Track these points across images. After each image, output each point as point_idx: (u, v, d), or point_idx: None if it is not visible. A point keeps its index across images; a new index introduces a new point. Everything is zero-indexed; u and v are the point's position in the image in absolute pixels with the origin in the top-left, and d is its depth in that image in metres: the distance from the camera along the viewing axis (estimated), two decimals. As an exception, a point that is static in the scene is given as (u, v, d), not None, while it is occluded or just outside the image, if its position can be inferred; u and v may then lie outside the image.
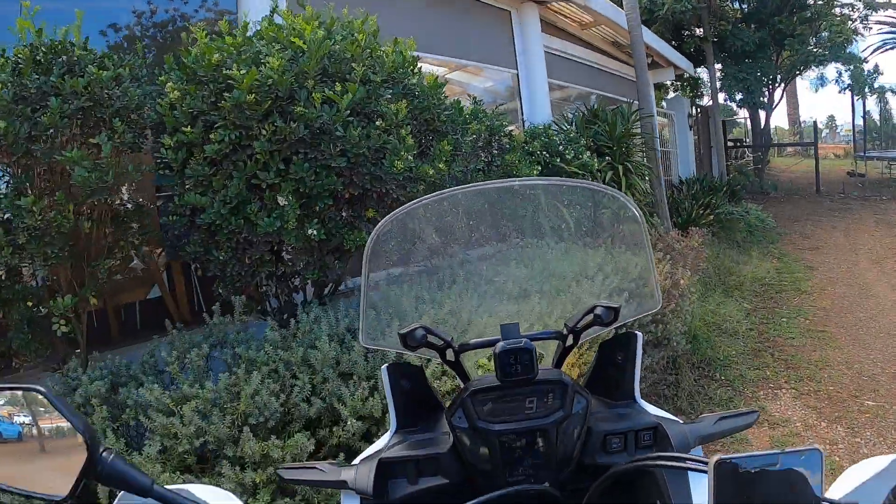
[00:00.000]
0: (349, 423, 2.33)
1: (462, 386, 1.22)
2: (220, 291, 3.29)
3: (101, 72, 2.72)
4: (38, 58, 2.71)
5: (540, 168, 4.97)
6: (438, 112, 3.27)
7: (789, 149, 27.98)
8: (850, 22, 17.58)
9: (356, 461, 1.20)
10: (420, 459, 1.19)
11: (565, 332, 1.27)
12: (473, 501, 1.02)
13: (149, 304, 4.80)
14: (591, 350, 2.79)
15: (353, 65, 2.82)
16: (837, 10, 17.64)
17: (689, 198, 10.84)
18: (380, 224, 1.36)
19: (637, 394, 1.31)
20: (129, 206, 3.47)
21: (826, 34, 16.90)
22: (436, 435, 1.25)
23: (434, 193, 1.42)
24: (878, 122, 24.99)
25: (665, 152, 14.09)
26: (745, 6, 17.18)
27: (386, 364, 1.30)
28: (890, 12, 22.52)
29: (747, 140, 22.97)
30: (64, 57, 2.75)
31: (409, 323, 1.21)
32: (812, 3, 16.97)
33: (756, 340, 6.21)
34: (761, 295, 7.88)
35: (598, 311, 1.21)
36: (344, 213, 3.14)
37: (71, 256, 2.92)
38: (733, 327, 6.40)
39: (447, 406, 1.21)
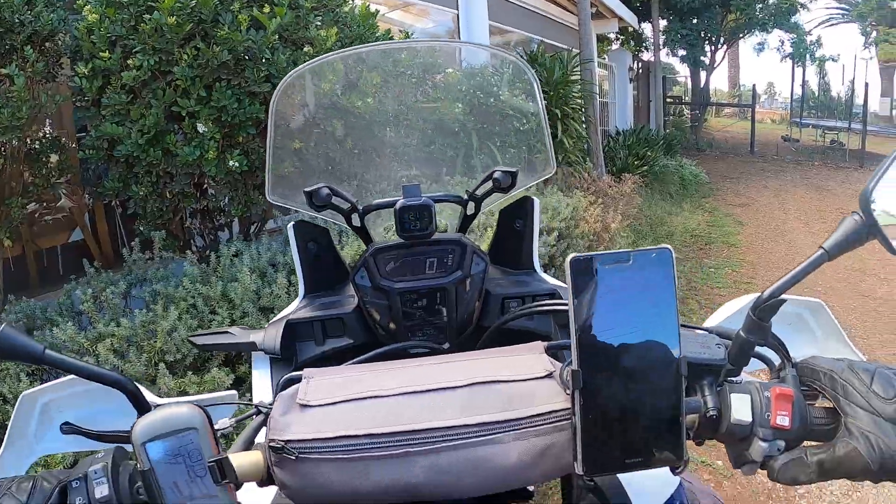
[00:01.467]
0: None
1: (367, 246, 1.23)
2: (142, 229, 3.16)
3: (11, -5, 2.53)
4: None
5: (460, 106, 4.88)
6: (370, 42, 3.15)
7: (727, 110, 28.60)
8: None
9: (266, 325, 1.20)
10: (326, 320, 1.20)
11: (466, 197, 1.27)
12: (369, 354, 1.01)
13: (71, 248, 4.60)
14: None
15: (278, -13, 2.67)
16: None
17: (625, 148, 10.98)
18: (286, 78, 1.33)
19: (536, 264, 1.34)
20: (45, 141, 3.28)
21: (772, 1, 17.15)
22: (342, 297, 1.27)
23: (339, 51, 1.39)
24: (816, 92, 25.71)
25: (604, 103, 14.20)
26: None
27: (292, 222, 1.29)
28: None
29: (686, 97, 23.35)
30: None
31: (315, 183, 1.19)
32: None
33: (684, 289, 6.39)
34: (691, 246, 8.10)
35: (497, 175, 1.21)
36: (283, 155, 3.02)
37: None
38: (662, 275, 6.54)
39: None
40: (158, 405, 0.77)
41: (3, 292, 2.99)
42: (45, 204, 4.15)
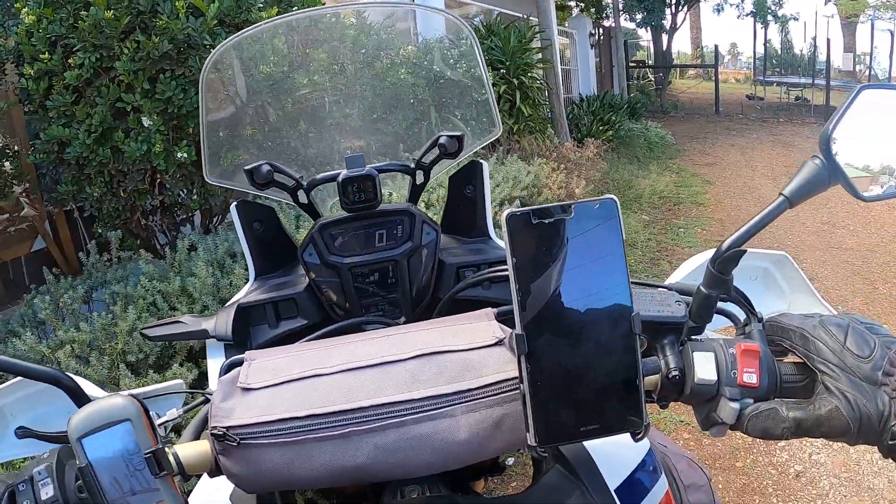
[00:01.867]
0: None
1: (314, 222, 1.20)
2: (100, 231, 3.11)
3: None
4: None
5: (403, 71, 4.82)
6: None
7: (691, 71, 28.68)
8: None
9: (219, 311, 1.17)
10: (278, 302, 1.17)
11: (413, 166, 1.24)
12: (320, 332, 1.00)
13: (35, 257, 4.51)
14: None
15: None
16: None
17: (589, 114, 10.99)
18: (215, 50, 1.29)
19: (490, 230, 1.31)
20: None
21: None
22: (293, 277, 1.24)
23: (270, 19, 1.35)
24: (779, 51, 25.83)
25: (567, 70, 14.16)
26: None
27: (235, 203, 1.25)
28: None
29: (650, 62, 23.39)
30: None
31: (255, 160, 1.15)
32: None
33: (654, 250, 6.41)
34: (660, 207, 8.13)
35: (443, 140, 1.18)
36: (221, 133, 2.97)
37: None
38: (632, 238, 6.58)
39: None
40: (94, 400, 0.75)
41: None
42: (8, 215, 4.07)
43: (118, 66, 2.59)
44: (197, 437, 0.79)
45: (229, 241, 2.69)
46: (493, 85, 6.69)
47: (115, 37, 2.58)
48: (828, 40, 19.62)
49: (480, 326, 0.80)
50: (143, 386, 2.12)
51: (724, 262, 0.72)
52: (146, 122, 2.60)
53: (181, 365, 2.21)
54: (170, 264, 2.61)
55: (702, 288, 0.74)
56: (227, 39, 1.30)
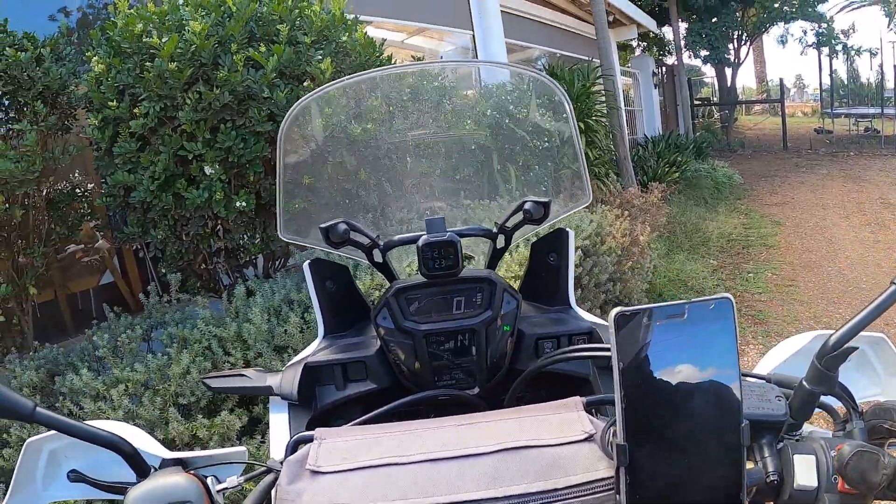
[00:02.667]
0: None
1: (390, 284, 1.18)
2: (164, 271, 3.19)
3: (18, 54, 2.59)
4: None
5: (486, 131, 4.81)
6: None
7: (757, 107, 28.08)
8: None
9: (284, 368, 1.15)
10: (347, 363, 1.15)
11: (495, 230, 1.21)
12: (391, 405, 0.98)
13: (102, 291, 4.68)
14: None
15: (279, 26, 2.69)
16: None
17: (655, 155, 10.81)
18: (291, 110, 1.28)
19: (572, 299, 1.27)
20: (65, 190, 3.36)
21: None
22: (364, 339, 1.21)
23: (345, 78, 1.34)
24: (846, 81, 25.05)
25: (630, 111, 14.06)
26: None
27: (308, 261, 1.24)
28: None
29: (714, 98, 22.99)
30: (-22, 43, 2.61)
31: (331, 218, 1.14)
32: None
33: (722, 296, 6.19)
34: (728, 251, 7.89)
35: (528, 206, 1.16)
36: (296, 190, 3.03)
37: (3, 247, 2.81)
38: (699, 284, 6.38)
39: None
40: (156, 471, 0.74)
41: (34, 337, 3.04)
42: (83, 246, 4.26)
43: (181, 116, 2.67)
44: None
45: (287, 287, 2.71)
46: (513, 130, 6.67)
47: (178, 87, 2.67)
48: (894, 67, 18.99)
49: (568, 418, 0.76)
50: (193, 429, 2.14)
51: (833, 360, 0.68)
52: (208, 170, 2.67)
53: (231, 412, 2.22)
54: (226, 309, 2.64)
55: (805, 383, 0.70)
56: (304, 98, 1.30)
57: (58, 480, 1.00)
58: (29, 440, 0.95)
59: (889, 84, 19.12)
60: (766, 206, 10.53)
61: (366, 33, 3.11)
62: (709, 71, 22.72)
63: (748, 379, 0.77)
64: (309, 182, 1.44)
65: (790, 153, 16.96)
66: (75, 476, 0.84)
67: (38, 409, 0.72)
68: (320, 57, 2.83)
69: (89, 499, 1.03)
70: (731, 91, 20.42)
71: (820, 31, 19.69)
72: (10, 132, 2.77)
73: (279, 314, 2.57)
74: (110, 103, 2.75)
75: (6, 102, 2.78)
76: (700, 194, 10.63)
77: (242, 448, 0.94)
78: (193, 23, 2.61)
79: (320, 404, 1.13)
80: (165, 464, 0.85)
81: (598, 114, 7.83)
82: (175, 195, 2.79)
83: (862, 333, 1.10)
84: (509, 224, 1.20)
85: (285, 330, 2.41)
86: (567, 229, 1.26)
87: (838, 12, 30.87)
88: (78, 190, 3.44)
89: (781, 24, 18.87)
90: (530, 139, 1.54)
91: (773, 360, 1.07)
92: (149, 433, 0.98)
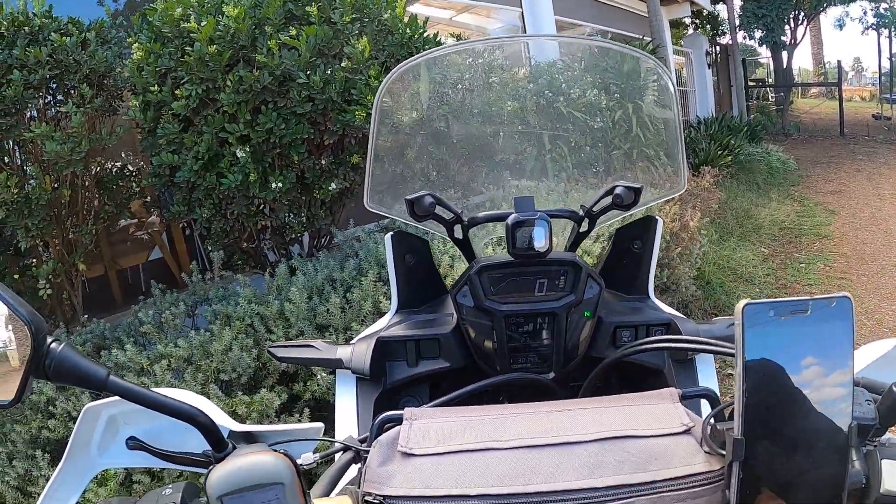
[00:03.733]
0: (320, 377, 2.27)
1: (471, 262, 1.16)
2: (210, 248, 3.24)
3: (64, 38, 2.64)
4: (0, 31, 2.62)
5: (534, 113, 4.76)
6: (418, 48, 3.09)
7: (813, 90, 27.12)
8: None
9: (354, 340, 1.15)
10: (420, 340, 1.14)
11: (581, 213, 1.19)
12: (471, 387, 0.97)
13: (151, 266, 4.80)
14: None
15: (308, 8, 2.66)
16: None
17: (707, 138, 10.51)
18: (389, 76, 1.26)
19: (651, 290, 1.25)
20: (112, 169, 3.43)
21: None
22: (439, 316, 1.20)
23: (448, 45, 1.32)
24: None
25: (683, 92, 13.71)
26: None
27: (391, 232, 1.22)
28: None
29: (769, 79, 22.28)
30: (26, 28, 2.66)
31: (416, 191, 1.12)
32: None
33: (773, 286, 6.03)
34: (780, 239, 7.67)
35: (619, 191, 1.13)
36: (323, 161, 3.03)
37: (54, 225, 2.89)
38: (749, 272, 6.23)
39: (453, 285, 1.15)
40: (237, 448, 0.72)
41: (83, 311, 3.12)
42: (138, 220, 4.37)
43: (222, 98, 2.69)
44: (331, 488, 0.75)
45: (329, 266, 2.72)
46: (609, 109, 6.54)
47: (219, 70, 2.68)
48: None
49: (665, 409, 0.75)
50: (233, 405, 2.15)
51: None
52: (240, 153, 2.69)
53: (271, 389, 2.23)
54: (268, 287, 2.67)
55: (894, 389, 0.68)
56: (403, 63, 1.27)
57: (115, 446, 0.98)
58: (88, 405, 0.93)
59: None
60: (820, 194, 10.19)
61: (405, 9, 3.06)
62: (764, 52, 21.97)
63: None
64: (397, 154, 1.41)
65: (847, 139, 16.34)
66: (135, 444, 0.82)
67: (111, 377, 0.70)
68: (358, 35, 2.81)
69: (147, 466, 1.01)
70: (787, 73, 19.76)
71: (880, 11, 18.84)
72: (58, 114, 2.83)
73: (321, 293, 2.58)
74: (152, 88, 2.78)
75: (53, 86, 2.83)
76: (753, 179, 10.32)
77: (320, 424, 0.92)
78: (229, 7, 2.62)
79: (390, 380, 1.12)
80: (234, 436, 0.84)
81: (652, 94, 7.63)
82: (218, 174, 2.82)
83: None
84: (596, 208, 1.17)
85: (327, 309, 2.42)
86: (656, 217, 1.23)
87: None
88: (127, 169, 3.52)
89: (839, 4, 18.12)
90: (625, 121, 1.49)
91: (860, 360, 1.04)
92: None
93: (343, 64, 2.71)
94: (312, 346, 1.14)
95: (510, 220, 1.07)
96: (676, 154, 1.31)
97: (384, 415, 0.78)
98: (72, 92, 2.80)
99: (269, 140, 2.76)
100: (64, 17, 2.85)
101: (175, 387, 2.25)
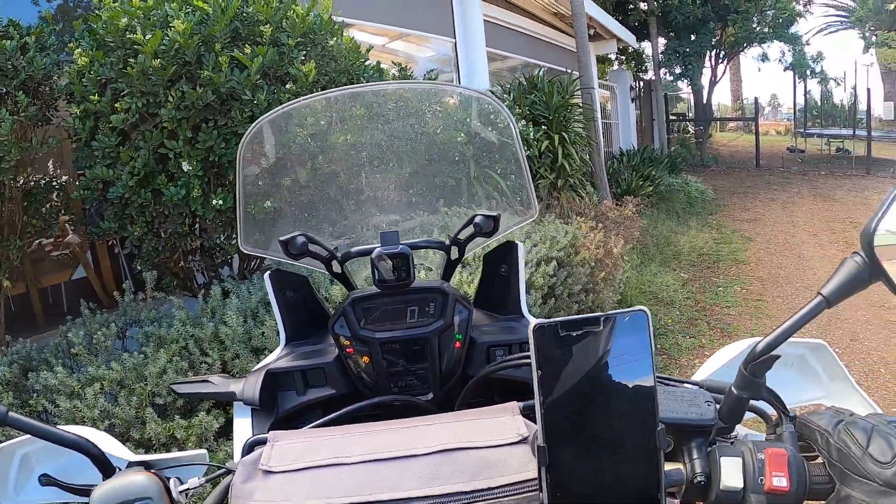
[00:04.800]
0: None
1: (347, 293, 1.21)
2: (140, 268, 3.17)
3: (3, 42, 2.56)
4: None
5: (463, 136, 4.86)
6: (358, 75, 3.17)
7: (731, 124, 28.53)
8: (794, 2, 17.85)
9: (249, 374, 1.19)
10: (307, 370, 1.18)
11: (447, 242, 1.25)
12: (343, 410, 1.02)
13: (74, 286, 4.63)
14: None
15: (263, 27, 2.69)
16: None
17: (630, 169, 10.95)
18: (253, 125, 1.32)
19: (524, 308, 1.31)
20: (41, 182, 3.31)
21: (770, 13, 17.15)
22: (324, 346, 1.24)
23: (307, 95, 1.39)
24: (819, 102, 25.66)
25: (607, 124, 14.21)
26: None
27: (269, 272, 1.26)
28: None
29: (689, 113, 23.33)
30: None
31: (290, 231, 1.17)
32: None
33: (692, 309, 6.30)
34: (699, 265, 8.02)
35: (479, 220, 1.19)
36: (257, 203, 3.01)
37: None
38: (670, 296, 6.48)
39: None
40: (119, 472, 0.78)
41: (5, 331, 2.99)
42: (55, 238, 4.20)
43: (163, 114, 2.66)
44: None
45: (264, 289, 2.71)
46: (536, 140, 6.72)
47: (161, 84, 2.66)
48: (868, 90, 19.46)
49: (504, 422, 0.80)
50: (171, 429, 2.13)
51: (758, 366, 0.72)
52: (186, 166, 2.66)
53: (208, 412, 2.21)
54: (202, 310, 2.64)
55: (733, 389, 0.73)
56: (265, 115, 1.33)
57: (30, 484, 1.03)
58: (1, 445, 0.97)
59: (862, 106, 19.63)
60: (737, 222, 10.71)
61: (352, 38, 3.12)
62: (685, 87, 23.02)
63: (684, 385, 0.82)
64: (270, 194, 1.47)
65: (763, 171, 17.26)
66: (46, 480, 0.86)
67: (10, 413, 0.75)
68: (303, 59, 2.84)
69: (62, 502, 1.06)
70: (707, 108, 20.73)
71: (795, 52, 20.16)
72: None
73: (255, 316, 2.57)
74: (91, 96, 2.73)
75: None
76: (673, 208, 10.78)
77: (203, 451, 0.98)
78: (177, 21, 2.60)
79: (282, 409, 1.16)
80: (131, 466, 0.88)
81: (578, 125, 7.91)
82: (154, 192, 2.77)
83: (804, 340, 1.18)
84: (462, 236, 1.24)
85: (262, 332, 2.41)
86: (517, 242, 1.30)
87: (815, 34, 31.76)
88: (54, 182, 3.41)
89: (759, 45, 19.25)
90: (483, 156, 1.60)
91: (709, 367, 1.12)
92: (118, 437, 1.01)
93: (288, 86, 2.73)
94: (209, 382, 1.18)
95: (374, 254, 1.14)
96: (525, 185, 1.40)
97: (252, 438, 0.85)
98: (6, 98, 2.71)
99: (207, 158, 2.74)
100: (3, 18, 2.78)
101: (108, 411, 2.20)
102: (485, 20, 7.89)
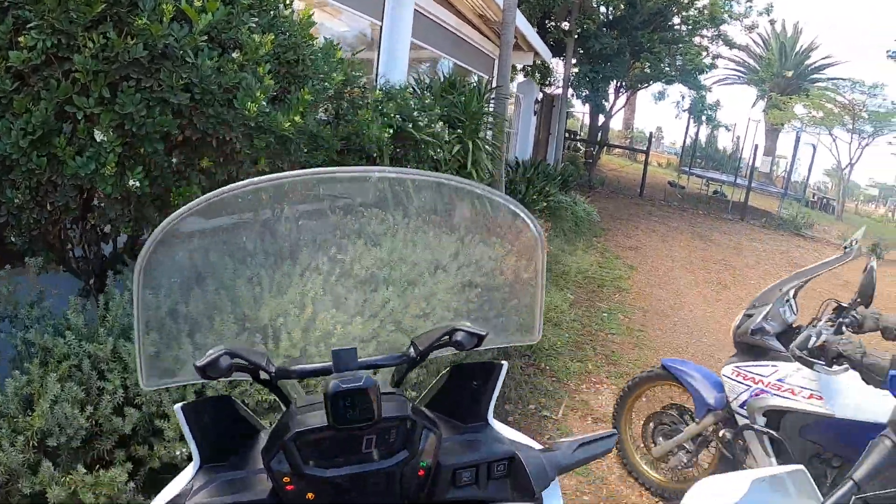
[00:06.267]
0: (174, 443, 1.82)
1: (284, 410, 1.00)
2: (14, 240, 2.61)
3: None
4: None
5: (391, 131, 4.60)
6: (305, 54, 2.78)
7: (618, 150, 29.84)
8: (703, 54, 18.80)
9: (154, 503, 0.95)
10: None
11: (414, 354, 1.08)
12: None
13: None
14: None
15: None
16: (697, 39, 18.82)
17: (525, 182, 10.99)
18: (157, 230, 1.02)
19: (490, 415, 1.17)
20: None
21: (680, 59, 18.02)
22: (250, 474, 1.01)
23: (226, 188, 1.07)
24: (704, 144, 27.53)
25: (507, 133, 14.26)
26: (612, 13, 17.75)
27: (181, 404, 1.01)
28: (736, 52, 25.08)
29: (581, 133, 24.06)
30: None
31: (209, 346, 0.97)
32: (678, 26, 17.98)
33: (579, 332, 6.40)
34: (584, 287, 8.16)
35: (460, 336, 1.05)
36: (174, 160, 2.57)
37: None
38: (557, 317, 6.55)
39: (265, 442, 0.98)
40: None
41: None
42: None
43: (77, 60, 2.17)
44: None
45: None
46: (448, 143, 6.49)
47: (80, 23, 2.16)
48: (755, 146, 21.00)
49: None
50: (71, 485, 1.63)
51: None
52: (99, 135, 2.17)
53: (110, 455, 1.73)
54: (101, 318, 2.14)
55: None
56: (168, 219, 1.02)
57: None
58: None
59: (744, 155, 21.21)
60: (620, 248, 11.08)
61: (311, 15, 2.73)
62: (581, 108, 23.76)
63: None
64: (178, 310, 1.14)
65: (645, 200, 18.07)
66: None
67: None
68: (254, 24, 2.44)
69: None
70: (604, 130, 21.44)
71: (694, 97, 21.50)
72: None
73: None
74: (-14, 25, 2.17)
75: None
76: (561, 226, 10.95)
77: None
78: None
79: None
80: None
81: (486, 134, 7.78)
82: (49, 156, 2.26)
83: (782, 468, 1.12)
84: (431, 348, 1.08)
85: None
86: (501, 363, 1.15)
87: (716, 83, 34.30)
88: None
89: (662, 83, 20.32)
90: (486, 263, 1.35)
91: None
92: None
93: (234, 55, 2.31)
94: None
95: (330, 388, 0.92)
96: (534, 304, 1.25)
97: None
98: None
99: (122, 125, 2.27)
100: None
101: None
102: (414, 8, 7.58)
